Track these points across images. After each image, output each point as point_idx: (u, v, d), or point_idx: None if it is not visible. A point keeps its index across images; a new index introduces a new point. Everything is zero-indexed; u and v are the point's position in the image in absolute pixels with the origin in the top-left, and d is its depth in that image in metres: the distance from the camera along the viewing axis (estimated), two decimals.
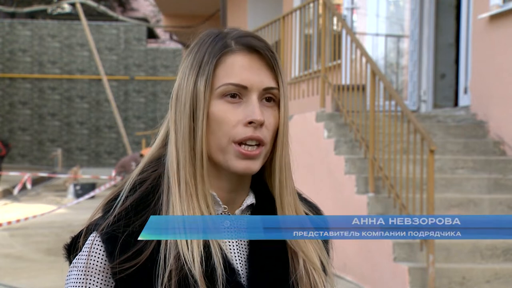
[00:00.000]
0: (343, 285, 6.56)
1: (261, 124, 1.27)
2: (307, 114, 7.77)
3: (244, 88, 1.27)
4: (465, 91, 8.31)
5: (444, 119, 7.95)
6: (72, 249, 1.32)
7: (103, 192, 12.42)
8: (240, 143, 1.26)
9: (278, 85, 1.31)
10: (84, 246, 1.28)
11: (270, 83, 1.29)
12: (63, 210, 11.85)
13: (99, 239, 1.26)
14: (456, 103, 8.89)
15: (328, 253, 1.41)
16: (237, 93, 1.27)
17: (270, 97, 1.30)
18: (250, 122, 1.26)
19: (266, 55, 1.30)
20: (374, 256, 6.29)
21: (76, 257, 1.29)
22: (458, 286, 5.73)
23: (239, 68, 1.28)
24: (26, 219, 9.63)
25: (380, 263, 6.16)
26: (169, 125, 1.33)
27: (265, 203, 1.35)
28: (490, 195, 6.65)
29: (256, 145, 1.27)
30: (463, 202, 6.49)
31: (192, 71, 1.29)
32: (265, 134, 1.28)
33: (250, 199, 1.36)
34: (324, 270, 1.37)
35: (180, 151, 1.28)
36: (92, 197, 12.49)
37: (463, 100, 8.34)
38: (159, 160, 1.33)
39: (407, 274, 5.71)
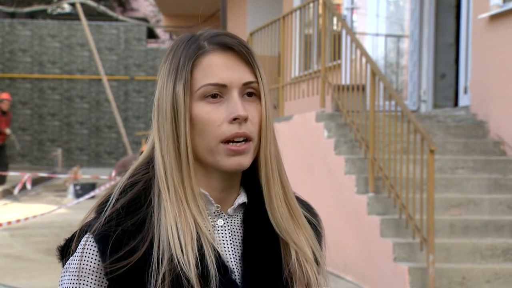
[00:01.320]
0: (343, 285, 6.56)
1: (245, 120, 1.28)
2: (307, 114, 7.76)
3: (224, 86, 1.28)
4: (465, 91, 8.31)
5: (444, 119, 7.95)
6: (65, 251, 1.33)
7: (103, 192, 12.41)
8: (228, 141, 1.27)
9: (257, 79, 1.32)
10: (78, 248, 1.29)
11: (249, 77, 1.30)
12: (63, 210, 11.85)
13: (92, 239, 1.27)
14: (456, 103, 8.89)
15: (321, 248, 1.42)
16: (217, 93, 1.28)
17: (251, 92, 1.31)
18: (235, 119, 1.27)
19: (241, 51, 1.31)
20: (374, 256, 6.29)
21: (69, 259, 1.30)
22: (458, 286, 5.73)
23: (216, 68, 1.29)
24: (26, 219, 9.62)
25: (380, 263, 6.15)
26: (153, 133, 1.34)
27: (257, 201, 1.36)
28: (490, 195, 6.65)
29: (243, 141, 1.28)
30: (463, 202, 6.49)
31: (169, 77, 1.30)
32: (251, 129, 1.29)
33: (242, 198, 1.37)
34: (317, 262, 1.38)
35: (165, 158, 1.29)
36: (92, 197, 12.48)
37: (463, 100, 8.34)
38: (149, 164, 1.35)
39: (407, 274, 5.71)
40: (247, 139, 1.28)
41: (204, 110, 1.28)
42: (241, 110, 1.27)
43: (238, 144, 1.28)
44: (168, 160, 1.29)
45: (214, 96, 1.28)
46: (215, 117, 1.27)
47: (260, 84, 1.32)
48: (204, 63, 1.29)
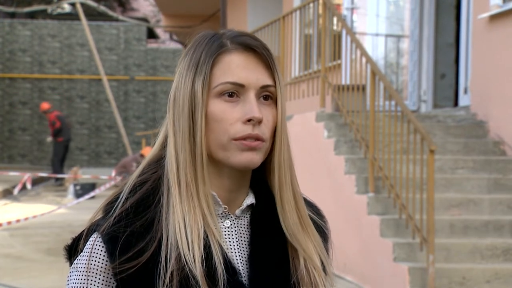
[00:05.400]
0: (343, 285, 6.56)
1: (259, 122, 1.27)
2: (307, 114, 7.77)
3: (241, 86, 1.28)
4: (465, 91, 8.31)
5: (444, 119, 7.95)
6: (73, 250, 1.32)
7: (103, 192, 12.41)
8: (239, 139, 1.27)
9: (275, 83, 1.32)
10: (85, 247, 1.29)
11: (267, 80, 1.30)
12: (63, 210, 11.85)
13: (100, 239, 1.27)
14: (456, 103, 8.89)
15: (327, 252, 1.42)
16: (234, 92, 1.28)
17: (268, 95, 1.31)
18: (249, 120, 1.27)
19: (262, 53, 1.31)
20: (374, 256, 6.29)
21: (77, 258, 1.30)
22: (458, 286, 5.73)
23: (236, 67, 1.29)
24: (26, 219, 9.62)
25: (380, 263, 6.15)
26: (167, 127, 1.33)
27: (265, 203, 1.36)
28: (490, 195, 6.65)
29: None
30: (463, 202, 6.49)
31: (189, 72, 1.30)
32: (264, 131, 1.29)
33: (250, 199, 1.36)
34: (324, 269, 1.37)
35: (179, 152, 1.29)
36: (92, 197, 12.48)
37: (463, 100, 8.34)
38: (158, 162, 1.34)
39: (407, 274, 5.71)
40: (259, 140, 1.28)
41: (219, 108, 1.28)
42: (256, 112, 1.26)
43: (250, 140, 1.27)
44: (182, 155, 1.28)
45: (230, 95, 1.28)
46: (229, 116, 1.27)
47: (277, 89, 1.32)
48: (225, 61, 1.29)
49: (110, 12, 20.29)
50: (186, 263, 1.22)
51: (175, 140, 1.30)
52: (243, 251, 1.34)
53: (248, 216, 1.37)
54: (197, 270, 1.22)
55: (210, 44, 1.31)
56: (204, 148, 1.28)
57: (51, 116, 17.12)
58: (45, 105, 17.57)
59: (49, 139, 17.74)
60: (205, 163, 1.28)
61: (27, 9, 22.06)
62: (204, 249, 1.24)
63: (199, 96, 1.28)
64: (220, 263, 1.24)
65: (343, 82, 7.63)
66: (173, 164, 1.29)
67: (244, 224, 1.36)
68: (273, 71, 1.32)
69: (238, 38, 1.31)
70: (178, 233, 1.24)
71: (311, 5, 8.47)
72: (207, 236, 1.26)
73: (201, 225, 1.26)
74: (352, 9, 9.53)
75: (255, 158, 1.28)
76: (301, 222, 1.35)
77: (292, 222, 1.33)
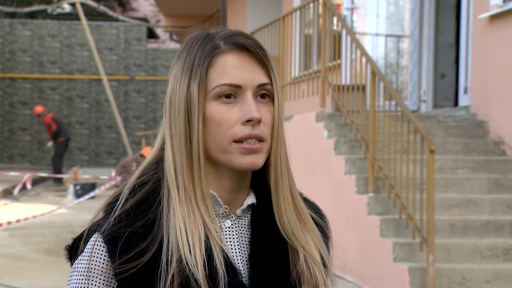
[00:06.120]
0: (343, 285, 6.56)
1: (258, 121, 1.27)
2: (307, 114, 7.77)
3: (238, 87, 1.28)
4: (465, 91, 8.31)
5: (444, 119, 7.95)
6: (74, 251, 1.32)
7: (103, 192, 12.40)
8: (240, 141, 1.27)
9: (271, 81, 1.31)
10: (86, 247, 1.29)
11: (263, 79, 1.30)
12: (63, 210, 11.84)
13: (101, 240, 1.27)
14: (456, 103, 8.89)
15: (328, 250, 1.42)
16: (231, 93, 1.28)
17: (265, 94, 1.31)
18: (248, 121, 1.26)
19: (256, 52, 1.31)
20: (374, 256, 6.29)
21: (78, 259, 1.30)
22: (458, 286, 5.73)
23: (231, 68, 1.28)
24: (26, 219, 9.61)
25: (380, 263, 6.15)
26: (164, 131, 1.33)
27: (266, 202, 1.35)
28: (490, 195, 6.65)
29: (256, 141, 1.28)
30: (463, 202, 6.49)
31: (184, 75, 1.30)
32: (264, 131, 1.29)
33: (251, 199, 1.36)
34: (324, 265, 1.37)
35: (176, 156, 1.29)
36: (92, 197, 12.47)
37: (463, 100, 8.34)
38: (158, 163, 1.34)
39: (407, 274, 5.71)
40: (259, 140, 1.28)
41: (218, 110, 1.27)
42: (255, 112, 1.26)
43: (251, 143, 1.27)
44: (179, 159, 1.28)
45: (228, 96, 1.28)
46: (228, 117, 1.27)
47: (274, 86, 1.31)
48: (220, 63, 1.29)
49: (110, 12, 20.29)
50: (188, 266, 1.22)
51: (172, 144, 1.29)
52: (244, 251, 1.34)
53: (249, 215, 1.37)
54: (199, 273, 1.22)
55: (204, 46, 1.30)
56: (202, 151, 1.27)
57: (46, 118, 17.03)
58: (38, 108, 17.44)
59: (50, 143, 17.50)
60: (203, 166, 1.28)
61: (27, 9, 22.05)
62: (205, 252, 1.24)
63: (195, 99, 1.27)
64: (221, 265, 1.24)
65: (343, 82, 7.63)
66: (171, 167, 1.29)
67: (245, 224, 1.36)
68: (268, 68, 1.31)
69: (231, 38, 1.31)
70: (179, 236, 1.24)
71: (311, 5, 8.47)
72: (207, 238, 1.26)
73: (202, 228, 1.26)
74: (352, 9, 9.53)
75: (257, 160, 1.28)
76: (299, 217, 1.35)
77: (288, 218, 1.33)
